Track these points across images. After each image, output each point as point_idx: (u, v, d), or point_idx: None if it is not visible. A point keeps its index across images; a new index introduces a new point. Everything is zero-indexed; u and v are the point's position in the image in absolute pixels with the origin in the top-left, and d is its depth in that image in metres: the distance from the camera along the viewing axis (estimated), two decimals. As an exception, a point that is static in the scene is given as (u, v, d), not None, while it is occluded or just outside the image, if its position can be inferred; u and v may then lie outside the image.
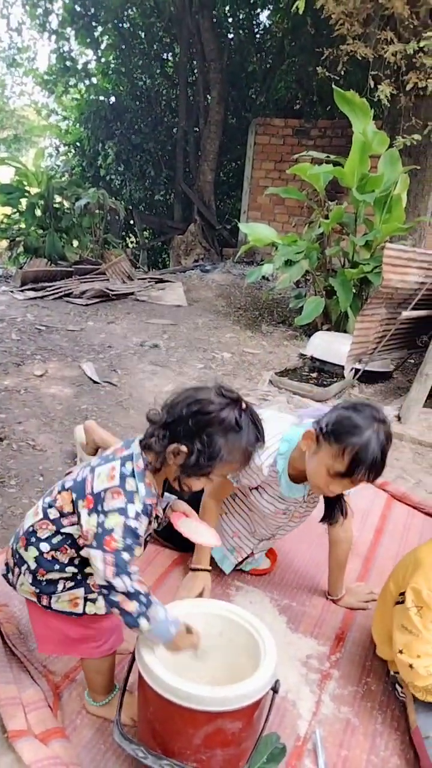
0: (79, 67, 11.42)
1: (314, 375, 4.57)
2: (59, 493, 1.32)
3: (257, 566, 2.12)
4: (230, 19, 10.75)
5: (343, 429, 1.53)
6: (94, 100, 11.41)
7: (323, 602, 2.00)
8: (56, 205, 7.91)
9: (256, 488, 1.84)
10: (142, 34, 11.15)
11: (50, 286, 6.59)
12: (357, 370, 4.33)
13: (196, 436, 1.24)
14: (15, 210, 7.83)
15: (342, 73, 5.82)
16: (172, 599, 1.83)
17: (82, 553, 1.29)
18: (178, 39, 10.68)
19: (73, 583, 1.33)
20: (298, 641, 1.81)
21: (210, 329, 5.75)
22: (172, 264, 10.08)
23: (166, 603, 1.79)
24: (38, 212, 7.77)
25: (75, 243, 8.15)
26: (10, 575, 1.39)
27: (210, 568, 1.93)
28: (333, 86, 5.13)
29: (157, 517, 1.37)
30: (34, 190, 7.82)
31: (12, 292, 6.50)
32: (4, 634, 1.61)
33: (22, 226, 7.80)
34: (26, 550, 1.32)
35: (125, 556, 1.20)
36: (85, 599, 1.33)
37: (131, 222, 11.65)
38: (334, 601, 2.00)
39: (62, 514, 1.30)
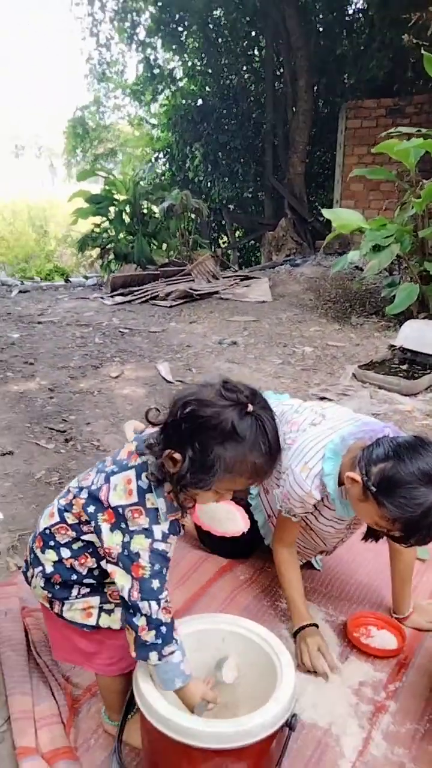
0: (165, 73, 11.59)
1: (404, 367, 4.19)
2: (75, 497, 1.21)
3: (386, 647, 1.65)
4: (317, 5, 10.36)
5: (391, 492, 1.29)
6: (181, 104, 11.54)
7: (386, 621, 1.75)
8: (143, 210, 8.05)
9: (311, 513, 1.64)
10: (227, 33, 11.09)
11: (138, 290, 6.71)
12: (452, 360, 3.92)
13: (189, 443, 1.06)
14: (104, 219, 8.07)
15: (432, 38, 5.36)
16: (218, 610, 1.70)
17: (102, 564, 1.18)
18: (264, 32, 10.50)
19: (88, 590, 1.22)
20: (350, 665, 1.59)
21: (293, 324, 5.53)
22: (264, 261, 9.91)
23: (208, 610, 1.66)
24: (126, 218, 7.95)
25: (163, 246, 8.25)
26: (29, 573, 1.30)
27: (315, 622, 1.64)
28: (422, 52, 4.70)
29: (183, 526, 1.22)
30: (122, 198, 8.01)
31: (102, 298, 6.70)
32: (30, 641, 1.56)
33: (112, 233, 8.02)
34: (43, 552, 1.23)
35: (155, 584, 1.09)
36: (100, 609, 1.22)
37: (222, 222, 11.62)
38: (399, 620, 1.74)
39: (80, 521, 1.19)
